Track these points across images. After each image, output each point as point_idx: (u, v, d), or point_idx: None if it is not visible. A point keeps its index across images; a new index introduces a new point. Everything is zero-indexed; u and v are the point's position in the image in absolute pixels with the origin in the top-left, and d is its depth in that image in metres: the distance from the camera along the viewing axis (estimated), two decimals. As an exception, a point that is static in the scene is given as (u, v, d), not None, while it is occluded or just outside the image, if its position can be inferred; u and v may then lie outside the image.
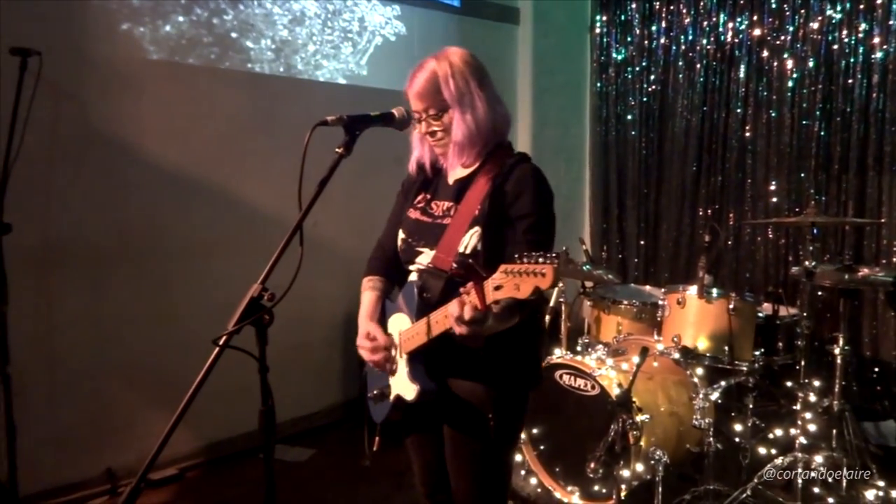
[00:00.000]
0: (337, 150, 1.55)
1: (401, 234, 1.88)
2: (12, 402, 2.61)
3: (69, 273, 3.09)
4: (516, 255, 1.38)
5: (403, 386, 1.75)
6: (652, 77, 4.87)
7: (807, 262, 3.03)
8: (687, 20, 4.66)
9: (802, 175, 4.22)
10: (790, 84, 4.23)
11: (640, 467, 2.81)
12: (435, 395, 1.73)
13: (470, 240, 1.69)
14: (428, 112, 1.77)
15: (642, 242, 5.02)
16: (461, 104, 1.74)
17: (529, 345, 1.85)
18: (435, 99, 1.75)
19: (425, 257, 1.79)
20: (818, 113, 4.13)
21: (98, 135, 3.13)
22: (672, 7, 4.73)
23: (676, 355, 3.10)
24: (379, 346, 1.79)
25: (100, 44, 3.12)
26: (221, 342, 1.37)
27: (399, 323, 1.80)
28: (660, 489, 2.76)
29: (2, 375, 2.59)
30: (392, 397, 1.80)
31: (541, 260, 1.34)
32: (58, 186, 3.04)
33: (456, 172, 1.85)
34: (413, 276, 1.82)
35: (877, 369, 4.01)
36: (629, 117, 5.00)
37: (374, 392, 1.87)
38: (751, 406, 3.20)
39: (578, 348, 3.38)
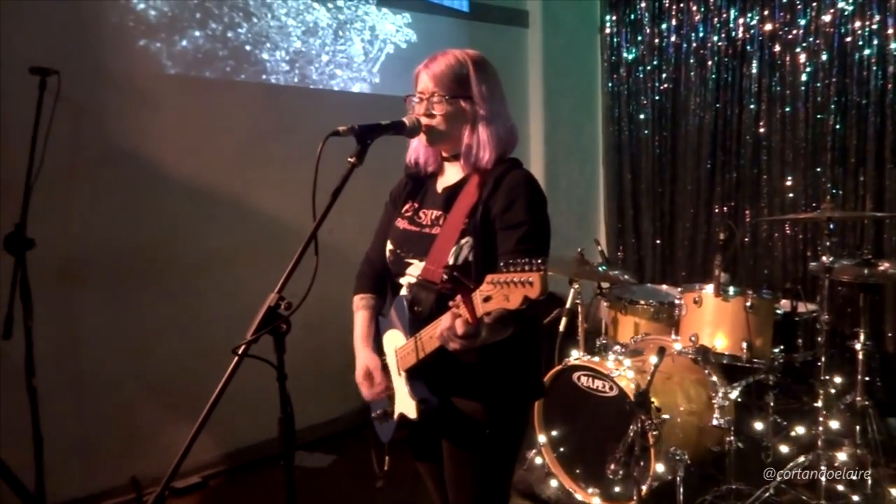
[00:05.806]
0: (349, 159, 1.57)
1: (389, 245, 1.83)
2: (39, 414, 2.67)
3: (92, 286, 3.14)
4: (501, 264, 1.33)
5: (405, 404, 1.72)
6: (664, 75, 4.85)
7: (825, 258, 3.01)
8: (697, 17, 4.64)
9: (818, 170, 4.18)
10: (804, 78, 4.20)
11: (660, 468, 2.80)
12: (436, 411, 1.69)
13: (461, 250, 1.64)
14: (436, 94, 1.70)
15: (658, 242, 4.99)
16: (489, 115, 1.70)
17: (526, 356, 1.79)
18: (451, 87, 1.69)
19: (415, 269, 1.74)
20: (833, 106, 4.09)
21: (117, 150, 3.19)
22: (682, 4, 4.70)
23: (694, 354, 3.09)
24: (378, 389, 1.80)
25: (117, 61, 3.18)
26: (240, 352, 1.39)
27: (394, 339, 1.77)
28: (681, 489, 2.75)
29: (28, 387, 2.63)
30: (396, 416, 1.78)
31: (527, 268, 1.27)
32: (79, 202, 3.10)
33: (445, 179, 1.81)
34: (404, 290, 1.77)
35: (900, 364, 3.96)
36: (642, 116, 4.98)
37: (378, 412, 1.84)
38: (771, 404, 3.18)
39: (596, 349, 3.37)
